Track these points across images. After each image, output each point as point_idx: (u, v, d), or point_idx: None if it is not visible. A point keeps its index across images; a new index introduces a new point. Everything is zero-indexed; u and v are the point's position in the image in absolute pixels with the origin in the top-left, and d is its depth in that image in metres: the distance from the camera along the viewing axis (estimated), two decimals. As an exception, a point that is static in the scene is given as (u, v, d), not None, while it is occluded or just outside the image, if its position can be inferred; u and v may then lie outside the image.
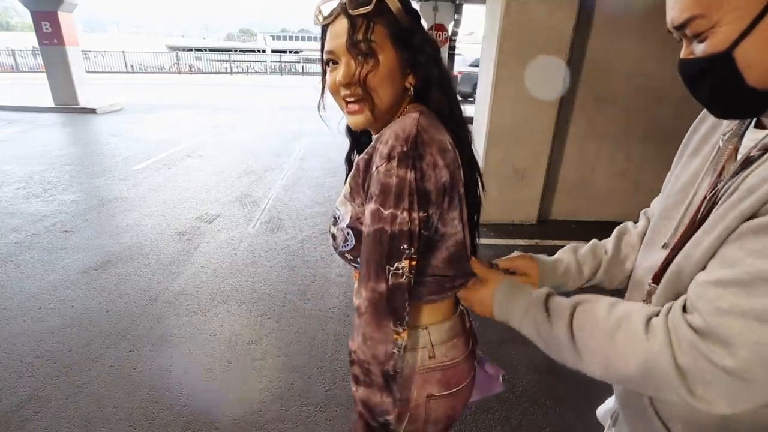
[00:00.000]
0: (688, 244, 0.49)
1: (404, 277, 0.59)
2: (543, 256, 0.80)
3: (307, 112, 9.11)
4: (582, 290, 0.75)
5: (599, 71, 3.29)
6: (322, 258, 2.87)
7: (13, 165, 4.93)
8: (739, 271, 0.40)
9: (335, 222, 0.69)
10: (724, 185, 0.48)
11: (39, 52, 9.04)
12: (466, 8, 10.32)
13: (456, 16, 9.96)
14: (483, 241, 3.21)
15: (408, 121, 0.61)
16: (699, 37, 0.45)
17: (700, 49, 0.46)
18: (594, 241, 0.80)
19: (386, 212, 0.58)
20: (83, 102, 8.67)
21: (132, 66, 19.90)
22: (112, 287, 2.55)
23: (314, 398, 1.74)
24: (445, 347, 0.72)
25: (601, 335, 0.49)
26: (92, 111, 8.48)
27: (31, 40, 11.57)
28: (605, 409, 0.86)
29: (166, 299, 2.44)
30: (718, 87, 0.46)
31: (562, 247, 0.82)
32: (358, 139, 0.80)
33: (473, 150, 0.74)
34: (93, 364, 1.94)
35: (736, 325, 0.39)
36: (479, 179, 0.76)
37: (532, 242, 3.35)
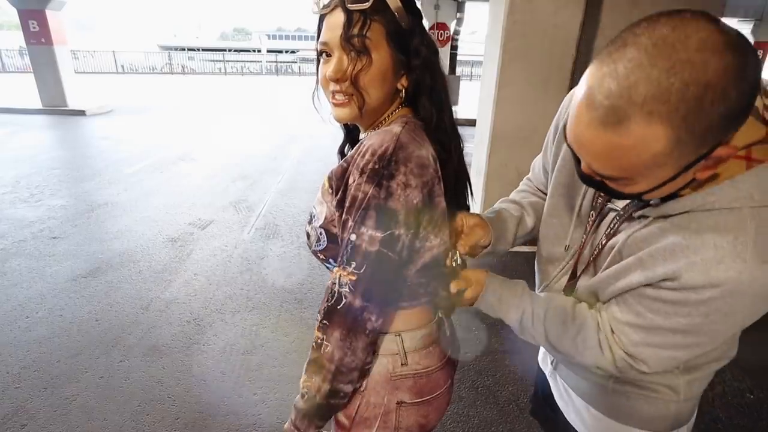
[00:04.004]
0: (596, 279, 0.65)
1: (335, 285, 0.61)
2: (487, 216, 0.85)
3: (304, 114, 9.07)
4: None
5: (607, 71, 3.29)
6: (319, 265, 2.84)
7: (-1, 168, 4.83)
8: (643, 320, 0.58)
9: (310, 220, 0.71)
10: (613, 230, 0.64)
11: (26, 52, 8.87)
12: (469, 6, 10.28)
13: (458, 15, 9.90)
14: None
15: (388, 136, 0.60)
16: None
17: (612, 183, 0.52)
18: (509, 205, 0.91)
19: (350, 224, 0.60)
20: (72, 103, 8.53)
21: (122, 66, 19.69)
22: (102, 295, 2.49)
23: (311, 410, 1.71)
24: (418, 355, 0.72)
25: (567, 339, 0.67)
26: (81, 113, 8.34)
27: (18, 39, 11.37)
28: (543, 351, 0.96)
29: (157, 308, 2.39)
30: (618, 197, 0.57)
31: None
32: (352, 132, 0.80)
33: (463, 159, 0.73)
34: (82, 374, 1.89)
35: (646, 352, 0.60)
36: (468, 187, 0.76)
37: (536, 248, 3.34)
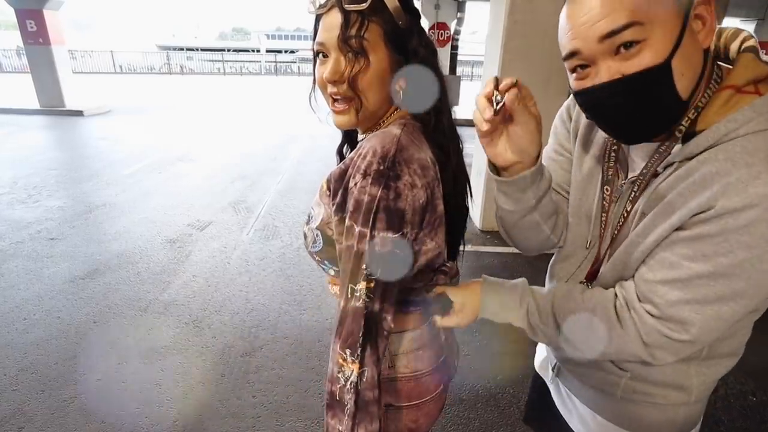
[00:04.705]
0: (623, 245, 0.62)
1: (360, 301, 0.57)
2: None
3: (303, 114, 9.07)
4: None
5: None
6: (319, 267, 2.82)
7: (-3, 168, 4.81)
8: (679, 272, 0.54)
9: (308, 221, 0.69)
10: (638, 193, 0.61)
11: (24, 52, 8.84)
12: (470, 6, 10.22)
13: (459, 14, 9.86)
14: (487, 249, 3.24)
15: (387, 138, 0.60)
16: (630, 49, 0.49)
17: (633, 64, 0.50)
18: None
19: (356, 229, 0.57)
20: (70, 104, 8.52)
21: (121, 66, 19.69)
22: (100, 297, 2.48)
23: (311, 412, 1.70)
24: (406, 358, 0.71)
25: (582, 325, 0.62)
26: (79, 113, 8.33)
27: (15, 39, 11.34)
28: (541, 358, 0.92)
29: (156, 310, 2.38)
30: (649, 103, 0.52)
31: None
32: (350, 133, 0.79)
33: (462, 160, 0.72)
34: (80, 377, 1.88)
35: (686, 310, 0.54)
36: (468, 188, 0.75)
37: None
